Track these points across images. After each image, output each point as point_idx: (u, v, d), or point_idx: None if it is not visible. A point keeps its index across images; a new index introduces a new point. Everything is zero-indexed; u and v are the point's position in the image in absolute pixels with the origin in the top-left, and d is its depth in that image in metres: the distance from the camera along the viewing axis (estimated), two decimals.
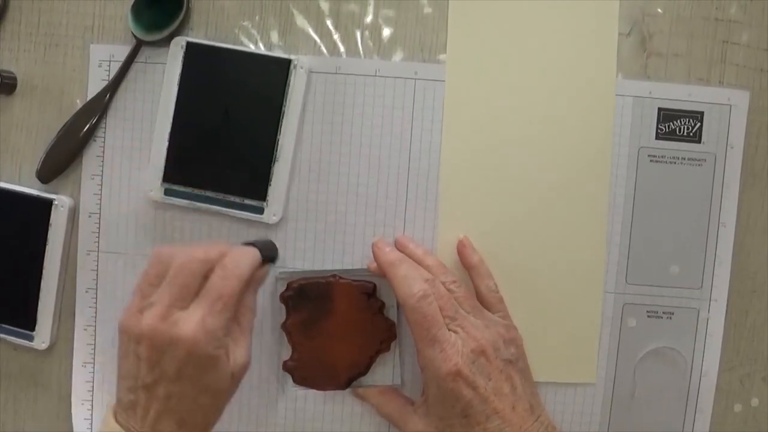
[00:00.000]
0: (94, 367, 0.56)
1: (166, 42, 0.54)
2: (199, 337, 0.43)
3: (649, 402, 0.56)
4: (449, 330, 0.49)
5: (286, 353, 0.54)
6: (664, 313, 0.56)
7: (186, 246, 0.47)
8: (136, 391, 0.45)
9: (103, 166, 0.56)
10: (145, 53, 0.55)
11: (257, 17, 0.55)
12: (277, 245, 0.55)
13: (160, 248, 0.47)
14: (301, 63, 0.54)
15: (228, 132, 0.54)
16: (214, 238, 0.55)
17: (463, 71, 0.55)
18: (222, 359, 0.45)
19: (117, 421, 0.46)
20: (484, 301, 0.53)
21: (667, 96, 0.55)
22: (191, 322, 0.44)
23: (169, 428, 0.45)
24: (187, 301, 0.45)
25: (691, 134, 0.55)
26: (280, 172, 0.54)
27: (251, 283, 0.48)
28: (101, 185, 0.56)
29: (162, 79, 0.55)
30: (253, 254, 0.48)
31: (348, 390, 0.55)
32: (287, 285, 0.54)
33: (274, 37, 0.55)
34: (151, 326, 0.44)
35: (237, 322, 0.47)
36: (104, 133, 0.56)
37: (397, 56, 0.55)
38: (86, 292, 0.56)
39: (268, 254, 0.50)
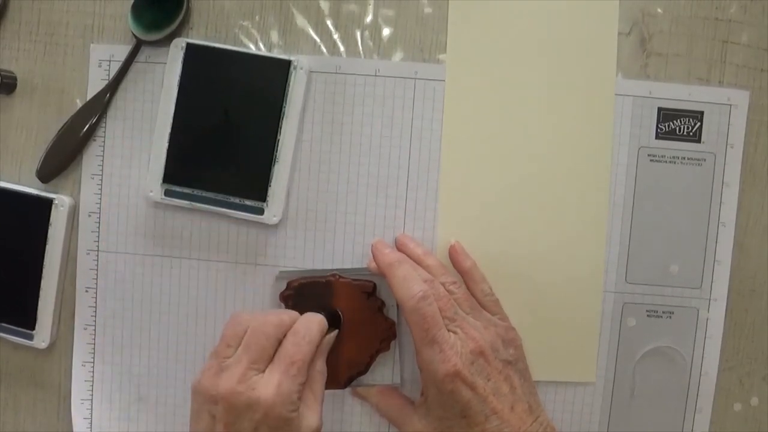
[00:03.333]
0: (93, 367, 0.56)
1: (166, 42, 0.54)
2: (276, 401, 0.45)
3: (648, 401, 0.56)
4: (448, 331, 0.49)
5: None
6: (663, 312, 0.56)
7: (260, 312, 0.49)
8: None
9: (103, 166, 0.56)
10: (145, 53, 0.55)
11: (257, 17, 0.55)
12: (277, 245, 0.55)
13: (238, 312, 0.49)
14: (301, 64, 0.54)
15: (228, 133, 0.54)
16: (214, 239, 0.55)
17: (463, 71, 0.55)
18: (295, 422, 0.46)
19: None
20: (480, 305, 0.53)
21: (667, 96, 0.55)
22: (269, 385, 0.45)
23: None
24: (263, 364, 0.46)
25: (691, 134, 0.55)
26: (280, 173, 0.54)
27: (320, 348, 0.49)
28: (101, 185, 0.56)
29: (162, 78, 0.55)
30: (321, 320, 0.49)
31: (348, 389, 0.55)
32: (287, 284, 0.54)
33: (274, 37, 0.55)
34: (230, 388, 0.45)
35: (309, 387, 0.48)
36: (104, 133, 0.56)
37: (397, 56, 0.55)
38: (86, 291, 0.56)
39: (333, 320, 0.52)
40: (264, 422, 0.45)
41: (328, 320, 0.50)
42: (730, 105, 0.55)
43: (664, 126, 0.55)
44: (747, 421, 0.57)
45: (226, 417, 0.45)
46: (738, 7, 0.55)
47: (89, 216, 0.56)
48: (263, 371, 0.46)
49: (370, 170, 0.55)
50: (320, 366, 0.49)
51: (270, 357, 0.47)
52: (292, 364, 0.46)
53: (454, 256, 0.54)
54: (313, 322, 0.49)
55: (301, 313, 0.53)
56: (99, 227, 0.56)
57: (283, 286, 0.54)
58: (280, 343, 0.47)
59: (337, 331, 0.52)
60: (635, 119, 0.55)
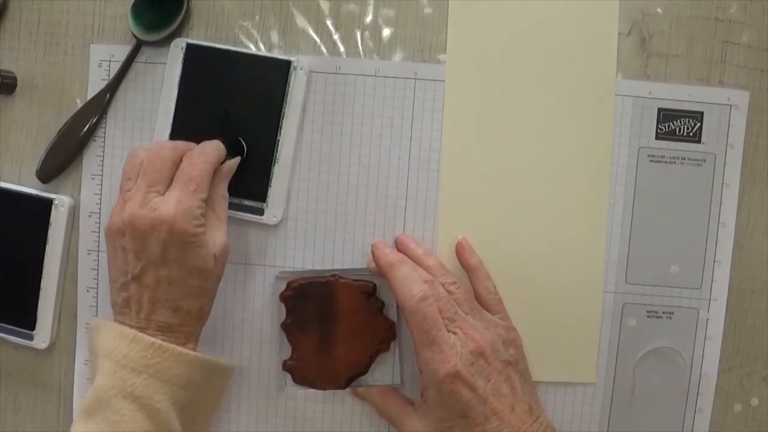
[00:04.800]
0: None
1: (166, 42, 0.54)
2: (178, 216, 0.47)
3: (648, 402, 0.56)
4: (448, 331, 0.49)
5: (286, 353, 0.54)
6: (663, 313, 0.56)
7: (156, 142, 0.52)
8: (127, 286, 0.48)
9: (103, 166, 0.56)
10: (145, 53, 0.55)
11: (257, 17, 0.55)
12: (278, 245, 0.55)
13: (135, 147, 0.51)
14: (301, 64, 0.54)
15: (228, 133, 0.54)
16: None
17: (463, 71, 0.55)
18: (202, 238, 0.48)
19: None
20: (483, 303, 0.53)
21: (667, 96, 0.55)
22: (168, 203, 0.47)
23: (164, 317, 0.48)
24: (162, 186, 0.48)
25: (691, 134, 0.55)
26: (280, 174, 0.54)
27: (221, 173, 0.51)
28: (101, 185, 0.56)
29: (162, 79, 0.55)
30: (217, 143, 0.51)
31: (348, 390, 0.55)
32: (287, 284, 0.54)
33: (274, 37, 0.55)
34: (132, 213, 0.47)
35: (212, 209, 0.50)
36: (104, 133, 0.56)
37: (397, 56, 0.55)
38: (87, 291, 0.56)
39: (234, 147, 0.53)
40: (170, 240, 0.47)
41: (228, 148, 0.52)
42: (730, 105, 0.55)
43: (664, 126, 0.55)
44: (747, 422, 0.57)
45: (134, 244, 0.47)
46: (738, 8, 0.55)
47: (89, 216, 0.56)
48: (163, 194, 0.48)
49: (370, 170, 0.55)
50: (221, 189, 0.51)
51: (168, 180, 0.49)
52: (189, 181, 0.48)
53: (460, 252, 0.54)
54: (210, 144, 0.51)
55: (300, 315, 0.53)
56: (99, 227, 0.56)
57: (283, 287, 0.54)
58: (176, 166, 0.49)
59: (239, 158, 0.53)
60: (635, 119, 0.55)
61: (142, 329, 0.47)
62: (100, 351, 0.47)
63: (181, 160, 0.50)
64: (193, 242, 0.47)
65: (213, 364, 0.50)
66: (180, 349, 0.48)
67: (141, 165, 0.49)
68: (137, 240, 0.47)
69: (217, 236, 0.49)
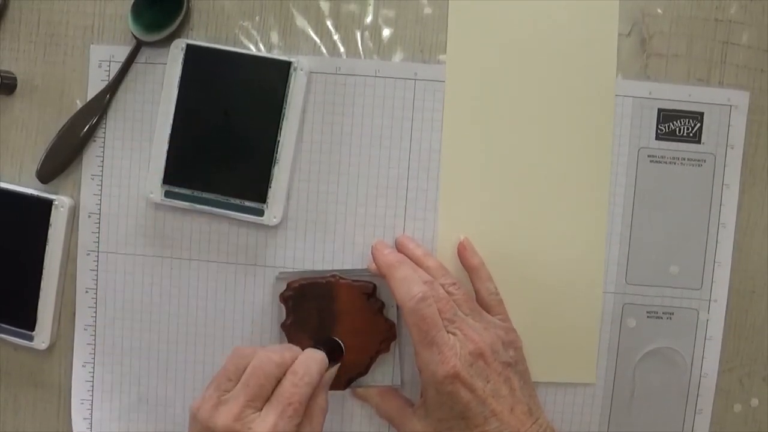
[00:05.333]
0: (93, 367, 0.56)
1: (166, 42, 0.54)
2: None
3: (648, 402, 0.56)
4: (448, 332, 0.49)
5: None
6: (663, 313, 0.56)
7: (263, 348, 0.49)
8: None
9: (103, 166, 0.56)
10: (145, 54, 0.55)
11: (257, 17, 0.55)
12: (278, 246, 0.55)
13: (241, 347, 0.49)
14: (301, 65, 0.54)
15: (228, 134, 0.54)
16: (214, 240, 0.55)
17: (463, 71, 0.55)
18: None
19: None
20: (484, 303, 0.53)
21: (667, 96, 0.55)
22: (265, 426, 0.45)
23: None
24: (261, 402, 0.46)
25: (691, 134, 0.55)
26: (281, 174, 0.54)
27: (322, 383, 0.49)
28: (101, 185, 0.56)
29: (162, 79, 0.55)
30: (321, 359, 0.49)
31: (347, 390, 0.55)
32: (287, 285, 0.54)
33: (274, 37, 0.55)
34: (226, 425, 0.45)
35: (308, 421, 0.48)
36: (104, 133, 0.56)
37: (397, 57, 0.55)
38: (86, 292, 0.56)
39: (334, 355, 0.51)
40: None
41: (329, 353, 0.50)
42: (730, 106, 0.55)
43: (664, 127, 0.55)
44: (747, 422, 0.57)
45: None
46: (738, 8, 0.55)
47: (89, 217, 0.56)
48: (260, 409, 0.46)
49: (370, 171, 0.55)
50: (321, 401, 0.49)
51: (268, 395, 0.47)
52: (288, 405, 0.46)
53: (462, 252, 0.54)
54: (313, 360, 0.48)
55: (300, 316, 0.53)
56: (99, 228, 0.56)
57: (283, 287, 0.54)
58: (279, 381, 0.47)
59: (338, 365, 0.52)
60: (635, 120, 0.55)
61: None
62: None
63: (284, 374, 0.47)
64: None
65: None
66: None
67: (244, 369, 0.47)
68: None
69: None
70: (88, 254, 0.56)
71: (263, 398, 0.46)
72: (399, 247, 0.54)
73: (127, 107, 0.56)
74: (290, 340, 0.54)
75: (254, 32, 0.55)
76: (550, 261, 0.55)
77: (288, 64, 0.54)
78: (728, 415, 0.57)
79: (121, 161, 0.56)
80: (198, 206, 0.54)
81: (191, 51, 0.54)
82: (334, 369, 0.51)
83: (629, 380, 0.56)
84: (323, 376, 0.49)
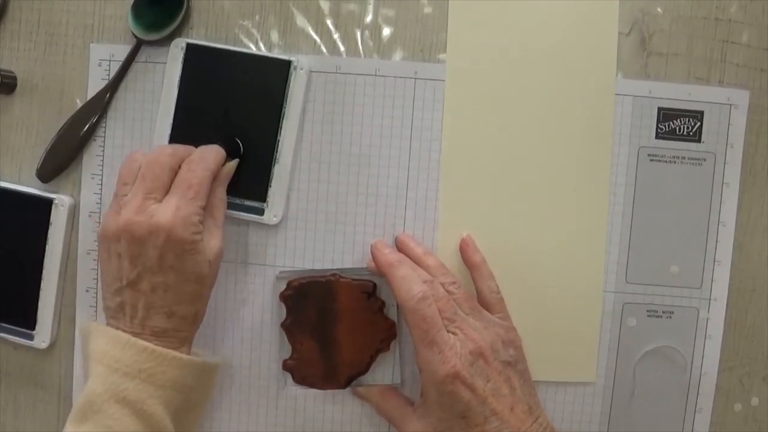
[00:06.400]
0: None
1: (166, 42, 0.54)
2: (176, 223, 0.46)
3: (648, 401, 0.56)
4: (448, 332, 0.49)
5: (286, 353, 0.54)
6: (663, 312, 0.56)
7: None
8: (122, 292, 0.48)
9: (103, 166, 0.56)
10: (145, 53, 0.55)
11: (257, 17, 0.55)
12: (278, 245, 0.55)
13: (133, 151, 0.50)
14: (301, 64, 0.54)
15: (228, 133, 0.54)
16: None
17: (463, 71, 0.55)
18: (199, 245, 0.48)
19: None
20: (485, 301, 0.53)
21: (667, 95, 0.55)
22: (166, 210, 0.47)
23: (159, 323, 0.47)
24: (160, 193, 0.48)
25: (691, 134, 0.55)
26: (281, 174, 0.54)
27: (220, 178, 0.51)
28: (101, 185, 0.56)
29: (162, 79, 0.55)
30: (217, 149, 0.51)
31: (348, 389, 0.55)
32: (287, 284, 0.54)
33: (274, 36, 0.55)
34: (129, 220, 0.47)
35: (210, 214, 0.50)
36: (104, 133, 0.56)
37: (397, 56, 0.55)
38: (86, 291, 0.56)
39: (231, 147, 0.52)
40: (167, 247, 0.46)
41: (227, 150, 0.51)
42: (730, 105, 0.55)
43: (664, 126, 0.55)
44: (747, 422, 0.57)
45: (130, 250, 0.47)
46: (738, 7, 0.55)
47: (89, 216, 0.56)
48: (161, 200, 0.47)
49: (370, 170, 0.55)
50: (220, 193, 0.51)
51: (166, 186, 0.48)
52: (188, 188, 0.47)
53: (464, 249, 0.54)
54: (209, 150, 0.50)
55: (300, 315, 0.53)
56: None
57: (284, 286, 0.54)
58: (175, 173, 0.48)
59: (237, 160, 0.52)
60: (635, 119, 0.55)
61: (136, 334, 0.47)
62: (92, 355, 0.47)
63: (179, 166, 0.49)
64: (190, 250, 0.47)
65: (205, 365, 0.50)
66: (174, 353, 0.47)
67: (138, 170, 0.48)
68: (133, 246, 0.47)
69: (213, 242, 0.49)
70: (89, 253, 0.56)
71: (162, 189, 0.48)
72: (399, 246, 0.54)
73: (127, 106, 0.56)
74: (290, 339, 0.54)
75: (254, 31, 0.55)
76: (549, 260, 0.55)
77: (288, 63, 0.54)
78: (728, 414, 0.57)
79: (121, 160, 0.55)
80: None
81: (191, 50, 0.54)
82: (233, 163, 0.52)
83: (629, 379, 0.56)
84: (221, 170, 0.51)
